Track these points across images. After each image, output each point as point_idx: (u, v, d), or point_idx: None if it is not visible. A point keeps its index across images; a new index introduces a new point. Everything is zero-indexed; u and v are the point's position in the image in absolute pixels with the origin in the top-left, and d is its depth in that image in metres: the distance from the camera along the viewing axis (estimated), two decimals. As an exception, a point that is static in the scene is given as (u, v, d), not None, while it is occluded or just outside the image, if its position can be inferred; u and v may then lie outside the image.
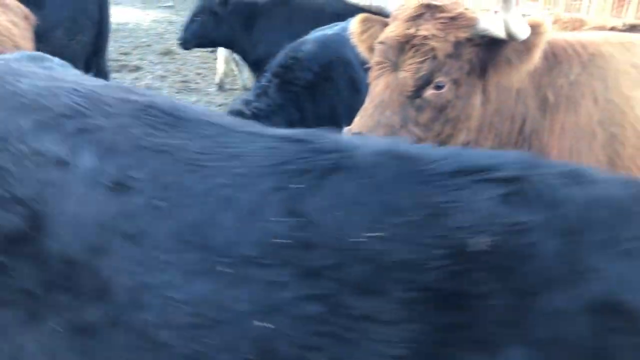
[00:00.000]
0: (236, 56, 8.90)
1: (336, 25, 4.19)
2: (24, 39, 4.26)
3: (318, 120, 3.25)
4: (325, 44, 3.41)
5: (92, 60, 5.87)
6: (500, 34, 2.32)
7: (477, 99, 2.45)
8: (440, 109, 2.40)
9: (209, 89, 8.91)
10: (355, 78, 3.50)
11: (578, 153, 2.58)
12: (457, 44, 2.35)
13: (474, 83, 2.43)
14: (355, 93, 3.50)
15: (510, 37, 2.31)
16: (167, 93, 8.30)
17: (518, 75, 2.44)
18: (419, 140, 2.39)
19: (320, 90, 3.24)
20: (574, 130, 2.56)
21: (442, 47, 2.33)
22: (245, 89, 8.99)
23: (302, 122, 3.19)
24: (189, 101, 8.16)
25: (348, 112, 3.49)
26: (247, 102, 3.05)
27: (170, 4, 16.89)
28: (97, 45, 5.81)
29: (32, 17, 4.35)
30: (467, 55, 2.36)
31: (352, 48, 3.75)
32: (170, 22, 14.27)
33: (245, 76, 9.01)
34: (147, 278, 1.26)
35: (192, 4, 14.63)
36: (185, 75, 9.57)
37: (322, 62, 3.29)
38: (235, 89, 8.95)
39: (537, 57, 2.39)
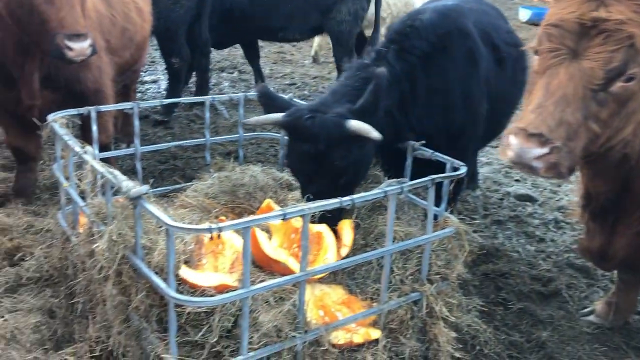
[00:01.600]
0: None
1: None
2: (145, 1, 4.38)
3: (429, 93, 3.09)
4: (444, 13, 3.22)
5: (195, 25, 5.97)
6: None
7: None
8: (623, 102, 2.14)
9: (304, 61, 8.88)
10: (473, 51, 3.30)
11: None
12: None
13: None
14: (472, 66, 3.30)
15: None
16: (263, 63, 8.34)
17: None
18: (595, 137, 2.17)
19: (435, 62, 3.06)
20: None
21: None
22: (340, 62, 8.89)
23: (413, 94, 3.05)
24: (284, 72, 8.17)
25: (462, 86, 3.31)
26: (365, 66, 2.93)
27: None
28: (199, 11, 5.90)
29: None
30: None
31: (472, 19, 3.58)
32: (267, -6, 14.38)
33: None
34: None
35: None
36: (281, 47, 9.57)
37: (439, 32, 3.10)
38: (329, 62, 8.85)
39: None
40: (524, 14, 14.06)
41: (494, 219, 4.49)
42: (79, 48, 2.95)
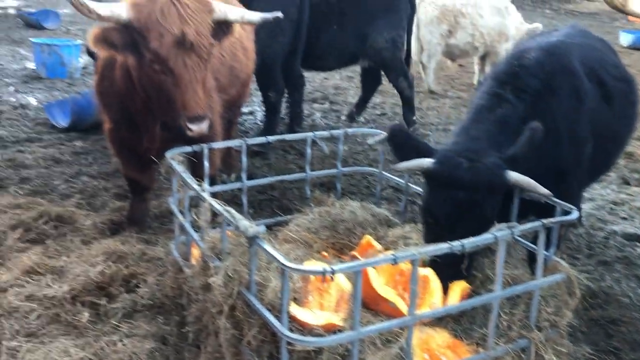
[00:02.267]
0: (424, 59, 8.83)
1: (556, 30, 3.89)
2: (248, 39, 4.60)
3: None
4: (550, 51, 3.16)
5: (289, 60, 6.16)
6: None
7: None
8: None
9: (395, 91, 8.91)
10: (579, 89, 3.20)
11: None
12: None
13: None
14: (578, 105, 3.21)
15: None
16: (353, 93, 8.46)
17: None
18: None
19: (544, 100, 3.00)
20: None
21: None
22: (430, 91, 8.86)
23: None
24: (375, 102, 8.24)
25: (567, 126, 3.21)
26: (489, 109, 2.91)
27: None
28: (294, 46, 6.10)
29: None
30: None
31: (577, 56, 3.48)
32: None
33: (430, 79, 8.89)
34: None
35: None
36: (372, 77, 9.68)
37: (547, 70, 3.04)
38: (420, 92, 8.85)
39: None
40: (626, 39, 13.44)
41: (599, 259, 4.27)
42: (198, 129, 3.11)
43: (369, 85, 7.33)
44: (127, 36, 3.08)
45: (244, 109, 7.78)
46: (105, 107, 3.72)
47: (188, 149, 3.28)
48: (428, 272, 2.73)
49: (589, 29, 4.05)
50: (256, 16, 3.48)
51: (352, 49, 6.48)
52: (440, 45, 8.69)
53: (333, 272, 2.04)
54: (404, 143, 2.84)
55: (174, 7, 3.02)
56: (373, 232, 3.41)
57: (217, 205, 2.51)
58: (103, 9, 3.03)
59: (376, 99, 8.44)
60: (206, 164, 3.34)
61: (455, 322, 2.67)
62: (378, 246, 3.18)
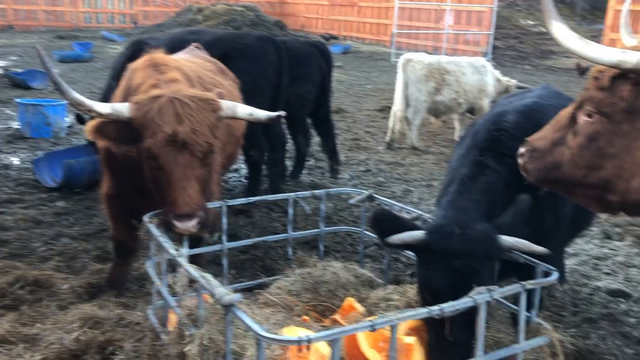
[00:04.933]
0: (409, 115, 9.00)
1: (529, 92, 3.98)
2: (239, 97, 4.68)
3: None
4: (527, 114, 3.22)
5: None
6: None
7: None
8: (591, 138, 2.44)
9: (378, 147, 9.02)
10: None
11: None
12: (614, 79, 2.34)
13: (638, 124, 2.32)
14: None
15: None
16: (338, 150, 8.54)
17: None
18: (573, 162, 2.50)
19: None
20: None
21: (599, 81, 2.39)
22: (414, 147, 8.99)
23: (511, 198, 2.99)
24: (359, 159, 8.32)
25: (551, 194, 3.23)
26: (472, 177, 2.93)
27: (339, 63, 17.73)
28: (273, 107, 6.20)
29: (237, 81, 4.77)
30: (622, 92, 2.32)
31: (554, 116, 3.55)
32: (340, 82, 14.93)
33: (414, 135, 9.02)
34: None
35: (361, 64, 15.06)
36: (356, 134, 9.82)
37: (528, 132, 3.10)
38: (403, 148, 8.97)
39: None
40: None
41: (584, 316, 4.24)
42: (183, 227, 3.05)
43: (324, 131, 7.43)
44: (125, 131, 3.13)
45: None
46: (112, 175, 3.72)
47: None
48: (412, 341, 2.68)
49: (568, 84, 4.16)
50: (263, 115, 3.52)
51: None
52: (426, 102, 8.88)
53: (309, 341, 2.00)
54: (388, 223, 2.80)
55: (172, 106, 3.05)
56: (356, 293, 3.38)
57: (193, 270, 2.47)
58: (103, 107, 3.10)
59: (360, 155, 8.54)
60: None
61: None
62: (360, 308, 3.14)
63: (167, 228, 3.07)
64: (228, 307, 2.19)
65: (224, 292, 2.22)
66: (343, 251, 5.02)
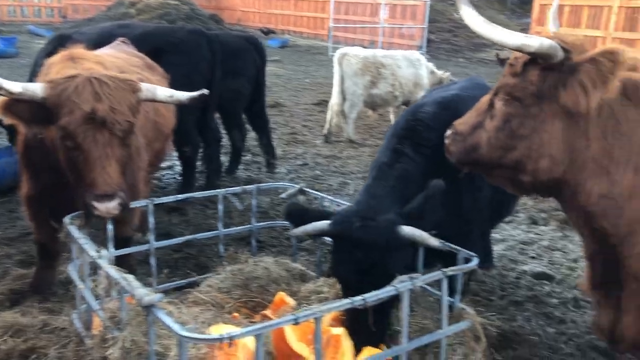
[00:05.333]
0: (346, 109, 9.06)
1: (454, 84, 4.10)
2: None
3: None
4: (444, 105, 3.31)
5: (203, 114, 6.16)
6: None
7: (554, 126, 2.46)
8: (505, 120, 2.56)
9: (315, 141, 9.06)
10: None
11: None
12: (525, 65, 2.47)
13: (545, 107, 2.46)
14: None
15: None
16: (275, 144, 8.51)
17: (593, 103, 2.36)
18: (490, 145, 2.61)
19: (442, 153, 3.12)
20: None
21: (513, 67, 2.53)
22: (350, 141, 9.07)
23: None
24: (296, 152, 8.33)
25: (466, 174, 3.34)
26: (389, 165, 2.98)
27: (277, 58, 17.66)
28: (206, 103, 6.12)
29: (167, 76, 4.67)
30: (532, 76, 2.45)
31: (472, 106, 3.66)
32: (278, 76, 14.88)
33: (350, 128, 9.10)
34: None
35: (299, 57, 15.05)
36: (293, 128, 9.81)
37: (444, 123, 3.18)
38: (341, 141, 9.03)
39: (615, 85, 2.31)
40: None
41: (511, 299, 4.41)
42: (104, 209, 2.95)
43: (259, 126, 7.41)
44: (38, 111, 3.00)
45: (163, 164, 7.66)
46: (31, 173, 3.56)
47: (90, 212, 3.15)
48: (340, 332, 2.71)
49: (498, 75, 4.28)
50: (184, 96, 3.44)
51: None
52: (363, 96, 8.97)
53: (231, 338, 1.99)
54: (305, 217, 2.86)
55: (89, 85, 2.97)
56: (287, 287, 3.38)
57: (114, 272, 2.41)
58: (14, 86, 2.95)
59: (298, 149, 8.54)
60: (110, 226, 3.22)
61: (367, 378, 2.65)
62: (292, 302, 3.15)
63: (87, 212, 2.98)
64: (149, 308, 2.15)
65: (145, 292, 2.17)
66: (279, 246, 5.02)
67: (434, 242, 2.66)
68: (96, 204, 2.93)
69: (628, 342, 2.74)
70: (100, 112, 2.93)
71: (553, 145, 2.46)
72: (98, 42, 4.78)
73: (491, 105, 2.67)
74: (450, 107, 3.34)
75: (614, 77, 2.33)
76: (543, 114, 2.47)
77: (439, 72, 9.76)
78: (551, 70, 2.42)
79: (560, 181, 2.52)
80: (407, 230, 2.66)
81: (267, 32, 24.13)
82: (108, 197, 2.94)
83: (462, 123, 2.80)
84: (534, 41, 2.34)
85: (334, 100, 8.98)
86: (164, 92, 3.36)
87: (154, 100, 3.33)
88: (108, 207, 2.95)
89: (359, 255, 2.62)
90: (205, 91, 3.54)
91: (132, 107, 3.09)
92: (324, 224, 2.74)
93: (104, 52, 4.31)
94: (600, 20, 15.93)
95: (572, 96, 2.38)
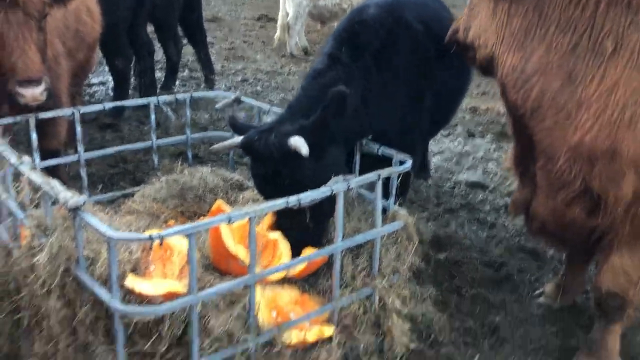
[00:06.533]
0: (290, 21, 8.76)
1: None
2: (92, 0, 4.35)
3: (381, 88, 3.07)
4: (387, 8, 3.21)
5: (134, 25, 5.85)
6: None
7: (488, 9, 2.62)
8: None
9: (256, 56, 8.80)
10: (416, 44, 3.31)
11: None
12: None
13: None
14: (416, 60, 3.32)
15: None
16: (214, 59, 8.22)
17: None
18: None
19: (384, 57, 3.06)
20: None
21: None
22: (292, 55, 8.86)
23: (369, 92, 3.00)
24: (236, 68, 8.08)
25: (407, 80, 3.32)
26: (320, 73, 2.87)
27: (216, -31, 16.75)
28: (137, 11, 5.79)
29: None
30: None
31: (414, 12, 3.59)
32: (216, -11, 14.18)
33: (293, 42, 8.86)
34: None
35: (238, -29, 14.13)
36: (232, 42, 9.47)
37: (386, 26, 3.09)
38: (283, 56, 8.82)
39: None
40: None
41: (446, 207, 4.56)
42: (30, 95, 2.86)
43: (196, 39, 7.14)
44: None
45: (95, 79, 7.30)
46: None
47: (9, 119, 2.97)
48: (277, 236, 2.72)
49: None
50: None
51: None
52: (308, 7, 8.68)
53: (161, 237, 1.95)
54: (238, 129, 2.88)
55: None
56: (225, 197, 3.35)
57: (36, 177, 2.30)
58: None
59: (237, 65, 8.29)
60: (34, 135, 3.05)
61: (303, 279, 2.70)
62: (229, 210, 3.12)
63: (12, 101, 2.90)
64: (75, 211, 2.07)
65: (69, 195, 2.08)
66: (219, 160, 4.94)
67: (305, 151, 2.50)
68: (21, 90, 2.85)
69: (538, 220, 2.79)
70: None
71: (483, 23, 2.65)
72: None
73: None
74: (393, 10, 3.26)
75: None
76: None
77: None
78: None
79: (492, 57, 2.66)
80: (292, 141, 2.54)
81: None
82: (33, 82, 2.86)
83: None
84: None
85: (281, 12, 8.68)
86: None
87: None
88: (34, 92, 2.87)
89: (260, 167, 2.65)
90: None
91: None
92: (236, 139, 2.75)
93: None
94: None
95: None
